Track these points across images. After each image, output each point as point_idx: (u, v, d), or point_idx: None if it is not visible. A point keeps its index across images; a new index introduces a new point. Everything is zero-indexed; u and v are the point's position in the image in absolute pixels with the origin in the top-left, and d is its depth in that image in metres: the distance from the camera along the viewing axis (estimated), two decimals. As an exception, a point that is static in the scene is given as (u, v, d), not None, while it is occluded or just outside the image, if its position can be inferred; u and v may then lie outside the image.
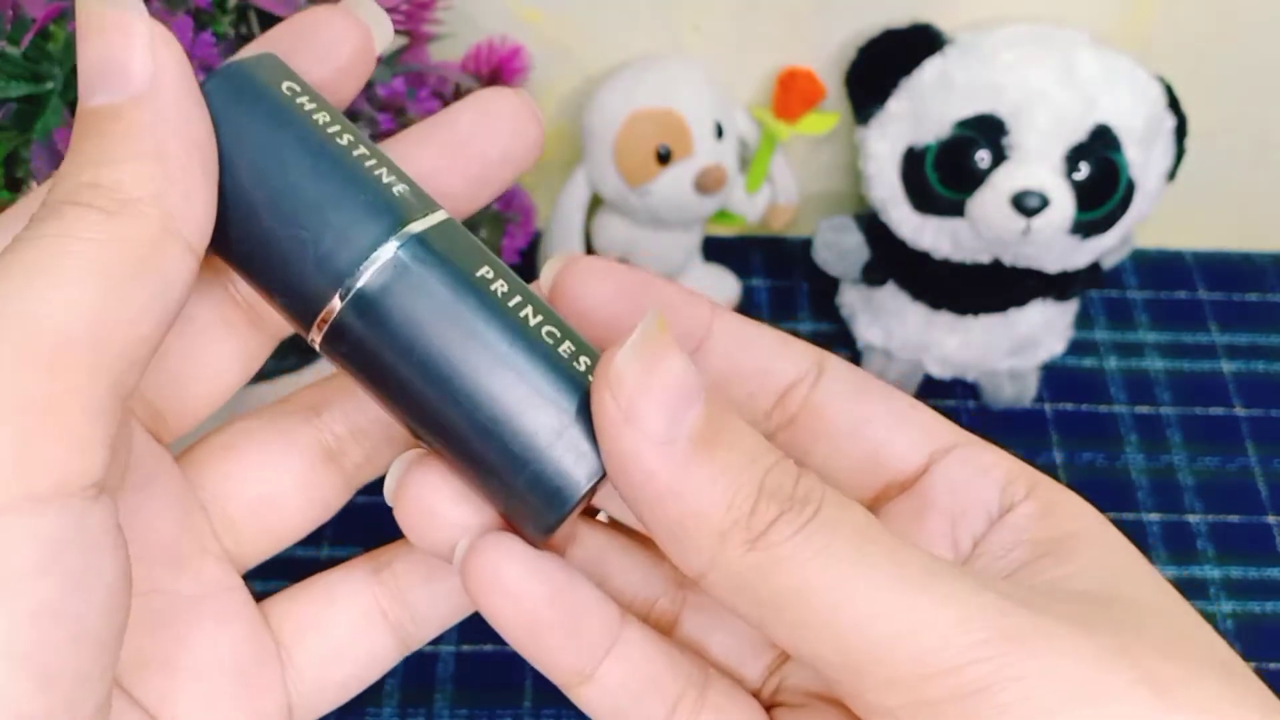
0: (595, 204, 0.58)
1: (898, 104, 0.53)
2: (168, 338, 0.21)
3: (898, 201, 0.53)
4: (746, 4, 0.54)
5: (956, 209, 0.51)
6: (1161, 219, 0.57)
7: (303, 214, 0.19)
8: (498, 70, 0.50)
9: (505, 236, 0.55)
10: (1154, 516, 0.56)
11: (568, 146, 0.58)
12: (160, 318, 0.18)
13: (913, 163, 0.52)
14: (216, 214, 0.20)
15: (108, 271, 0.17)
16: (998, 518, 0.22)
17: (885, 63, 0.53)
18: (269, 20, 0.41)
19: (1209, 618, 0.53)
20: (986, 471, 0.23)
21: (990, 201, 0.50)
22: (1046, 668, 0.18)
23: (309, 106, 0.20)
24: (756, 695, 0.24)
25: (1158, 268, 0.65)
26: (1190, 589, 0.54)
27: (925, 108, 0.51)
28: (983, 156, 0.50)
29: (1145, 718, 0.18)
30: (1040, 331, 0.57)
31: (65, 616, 0.17)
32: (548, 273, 0.22)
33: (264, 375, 0.41)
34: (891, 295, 0.57)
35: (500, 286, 0.20)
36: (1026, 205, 0.49)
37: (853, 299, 0.60)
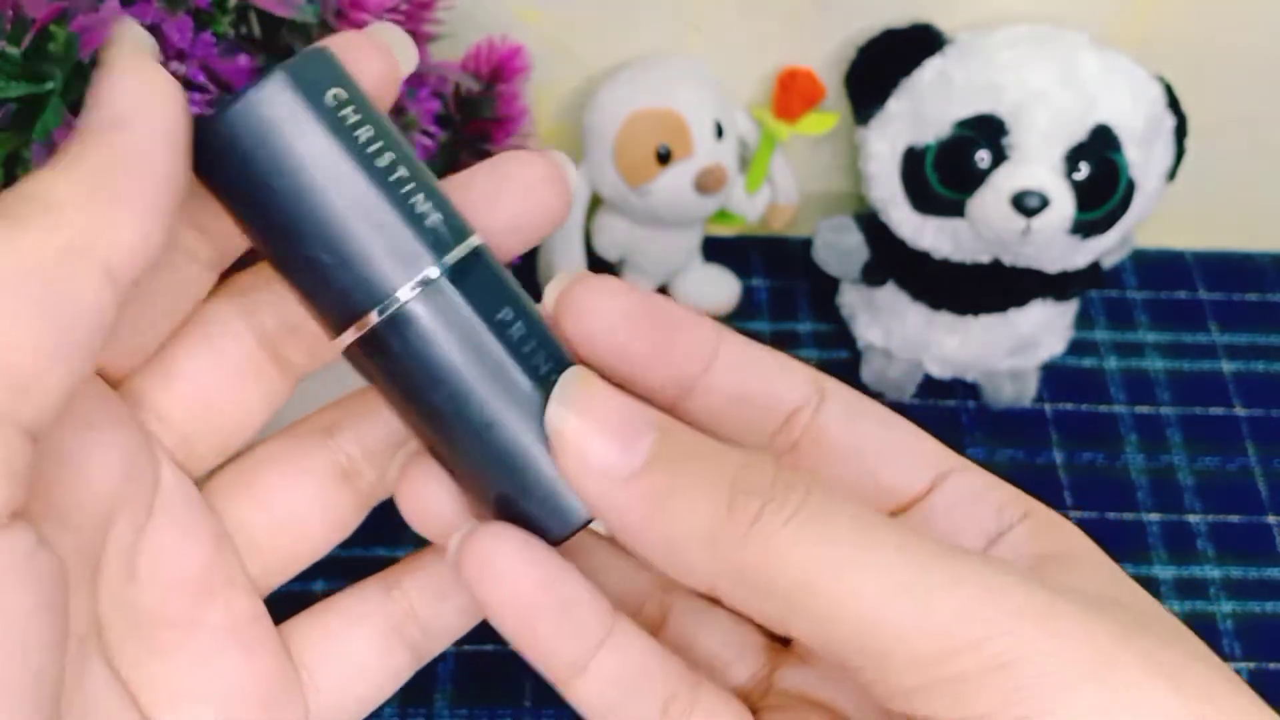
0: (595, 204, 0.58)
1: (898, 104, 0.53)
2: (199, 372, 0.22)
3: (898, 201, 0.53)
4: (746, 4, 0.54)
5: (956, 209, 0.51)
6: (1161, 219, 0.57)
7: (332, 241, 0.20)
8: (498, 70, 0.50)
9: (505, 236, 0.55)
10: (1154, 516, 0.56)
11: (568, 146, 0.58)
12: (58, 343, 0.17)
13: (913, 163, 0.52)
14: (259, 227, 0.20)
15: None
16: (995, 538, 0.23)
17: (885, 63, 0.53)
18: (269, 20, 0.41)
19: (1209, 618, 0.53)
20: (983, 495, 0.23)
21: (990, 201, 0.50)
22: (1064, 645, 0.18)
23: (352, 120, 0.20)
24: (742, 699, 0.24)
25: (1158, 268, 0.65)
26: (1190, 589, 0.54)
27: (925, 108, 0.51)
28: (983, 156, 0.50)
29: (1156, 697, 0.18)
30: (1040, 331, 0.57)
31: None
32: (551, 291, 0.22)
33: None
34: (891, 295, 0.57)
35: (518, 330, 0.21)
36: (1026, 205, 0.49)
37: (853, 299, 0.60)
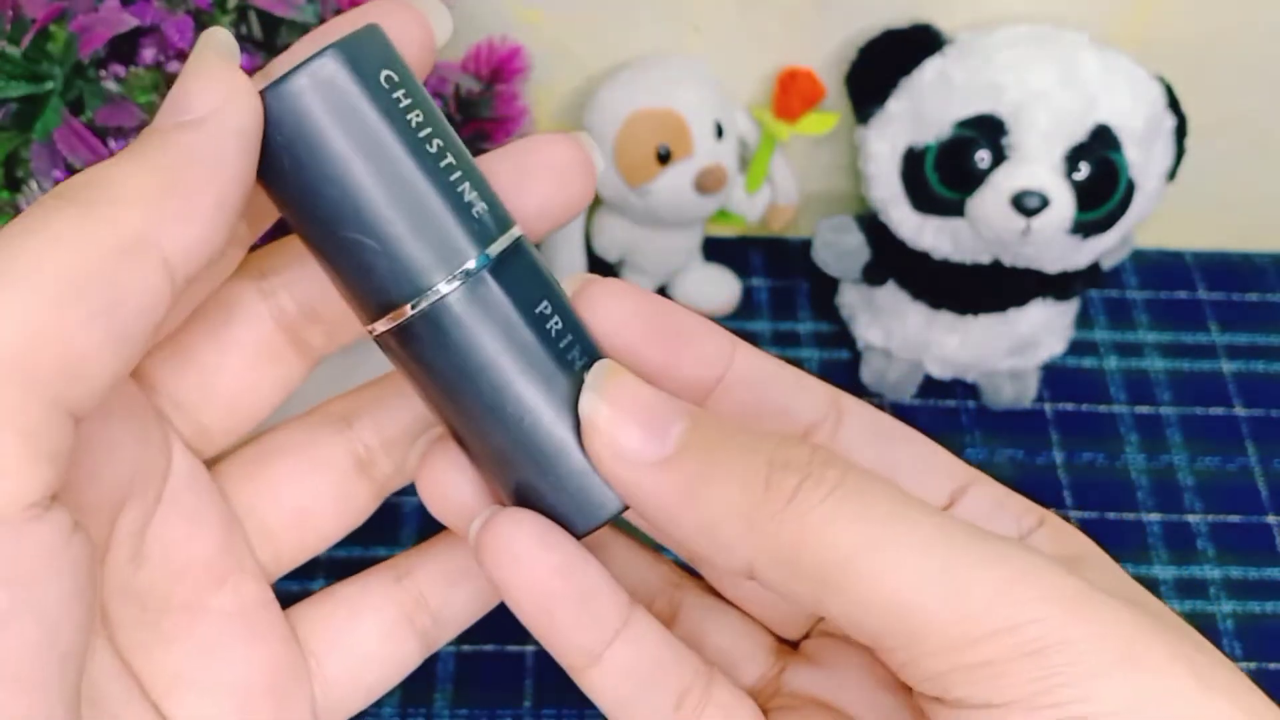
0: (595, 204, 0.58)
1: (898, 104, 0.53)
2: (216, 356, 0.22)
3: (898, 201, 0.53)
4: (746, 4, 0.54)
5: (956, 209, 0.51)
6: (1161, 219, 0.57)
7: (379, 226, 0.19)
8: (498, 70, 0.50)
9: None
10: (1154, 516, 0.56)
11: (568, 146, 0.58)
12: (112, 332, 0.17)
13: (913, 163, 0.52)
14: (302, 209, 0.19)
15: (58, 276, 0.17)
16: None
17: (885, 63, 0.53)
18: (269, 20, 0.41)
19: (1209, 618, 0.53)
20: (1002, 505, 0.23)
21: (990, 201, 0.50)
22: (1096, 633, 0.18)
23: (405, 103, 0.20)
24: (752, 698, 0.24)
25: (1158, 268, 0.65)
26: (1190, 589, 0.54)
27: (925, 108, 0.51)
28: (983, 156, 0.50)
29: (1184, 690, 0.18)
30: (1040, 331, 0.57)
31: None
32: (566, 288, 0.22)
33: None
34: (891, 295, 0.57)
35: (555, 325, 0.21)
36: (1026, 205, 0.49)
37: (853, 299, 0.60)
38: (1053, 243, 0.51)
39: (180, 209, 0.18)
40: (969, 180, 0.50)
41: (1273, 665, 0.51)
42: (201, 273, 0.19)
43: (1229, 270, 0.65)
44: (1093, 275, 0.56)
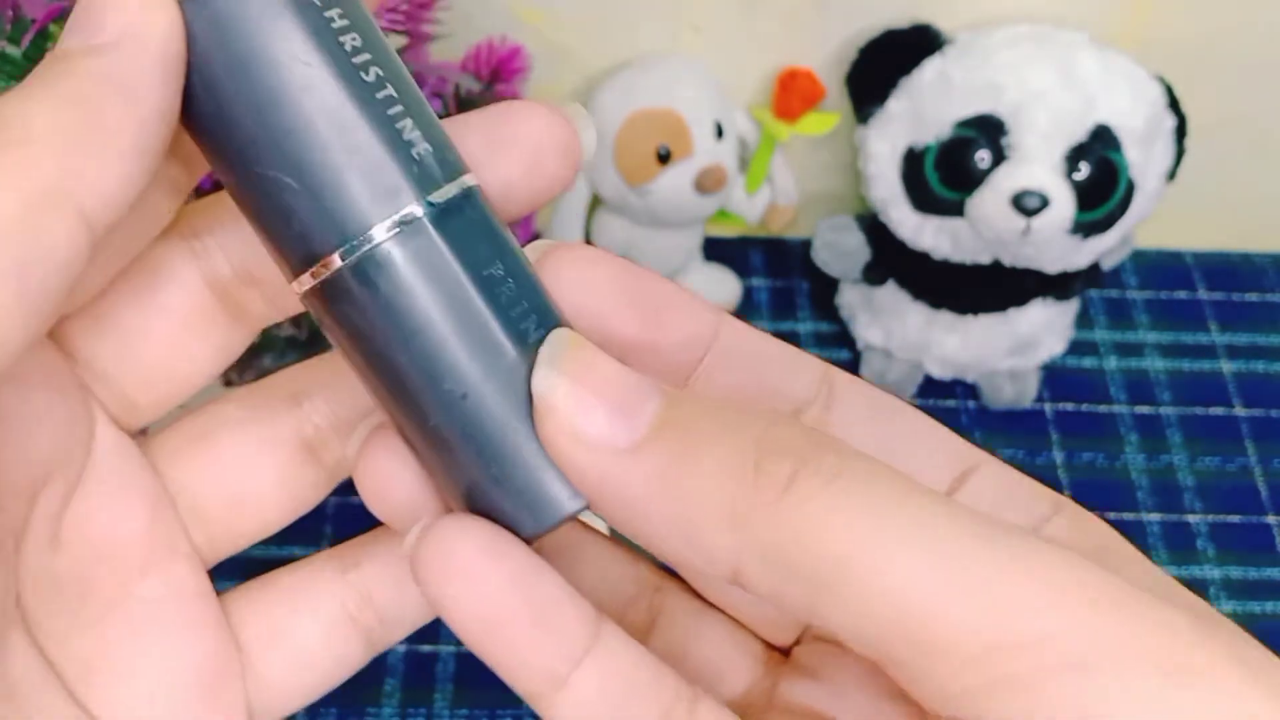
0: (595, 204, 0.58)
1: (898, 104, 0.53)
2: (142, 321, 0.20)
3: (898, 201, 0.53)
4: (746, 4, 0.54)
5: (956, 209, 0.51)
6: (1161, 219, 0.57)
7: (299, 161, 0.17)
8: (498, 70, 0.50)
9: (505, 236, 0.55)
10: (1154, 516, 0.56)
11: (568, 146, 0.58)
12: (24, 292, 0.15)
13: (913, 163, 0.52)
14: (215, 140, 0.17)
15: None
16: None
17: (885, 63, 0.53)
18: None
19: (1209, 618, 0.53)
20: (1013, 489, 0.21)
21: (990, 201, 0.50)
22: (1144, 641, 0.16)
23: (337, 24, 0.17)
24: (741, 712, 0.21)
25: (1158, 268, 0.65)
26: (1190, 589, 0.54)
27: (925, 108, 0.51)
28: (983, 156, 0.50)
29: (1244, 696, 0.16)
30: (1040, 331, 0.57)
31: None
32: (530, 256, 0.19)
33: (264, 372, 0.40)
34: (891, 295, 0.57)
35: (508, 290, 0.18)
36: (1026, 205, 0.49)
37: (853, 299, 0.60)
38: (1053, 243, 0.51)
39: (96, 150, 0.16)
40: (969, 180, 0.50)
41: (1273, 665, 0.51)
42: (122, 221, 0.17)
43: (1229, 270, 0.65)
44: (1093, 275, 0.56)
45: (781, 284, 0.63)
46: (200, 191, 0.21)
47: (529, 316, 0.18)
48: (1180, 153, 0.53)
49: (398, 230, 0.17)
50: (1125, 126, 0.50)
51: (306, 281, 0.18)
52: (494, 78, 0.50)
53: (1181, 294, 0.64)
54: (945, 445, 0.21)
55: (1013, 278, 0.54)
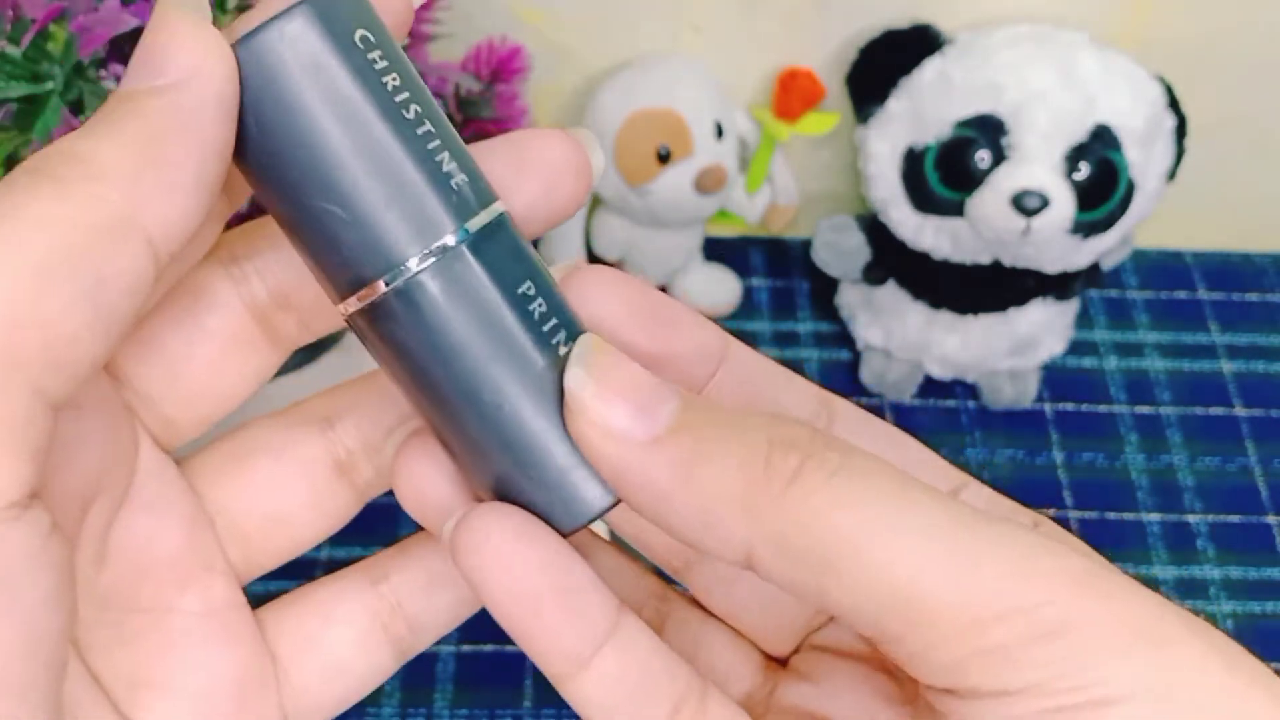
0: (595, 204, 0.58)
1: (898, 104, 0.53)
2: (185, 346, 0.21)
3: (898, 201, 0.53)
4: (746, 4, 0.54)
5: (956, 209, 0.51)
6: (1161, 219, 0.57)
7: (349, 194, 0.18)
8: (498, 70, 0.50)
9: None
10: (1154, 516, 0.56)
11: (568, 146, 0.58)
12: (97, 316, 0.16)
13: (913, 163, 0.52)
14: (267, 174, 0.18)
15: (35, 258, 0.16)
16: None
17: (885, 63, 0.53)
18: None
19: (1209, 618, 0.53)
20: (994, 506, 0.22)
21: (990, 201, 0.50)
22: (1114, 611, 0.17)
23: (379, 65, 0.18)
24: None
25: (1158, 268, 0.65)
26: (1190, 589, 0.54)
27: (925, 108, 0.52)
28: (983, 156, 0.50)
29: (1210, 671, 0.17)
30: (1040, 331, 0.57)
31: None
32: (554, 275, 0.21)
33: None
34: (891, 295, 0.57)
35: (539, 307, 0.19)
36: (1026, 205, 0.49)
37: (853, 299, 0.60)
38: (1053, 243, 0.51)
39: (162, 183, 0.17)
40: (969, 180, 0.50)
41: (1273, 665, 0.51)
42: (182, 251, 0.18)
43: (1229, 270, 0.65)
44: (1093, 275, 0.56)
45: (781, 284, 0.63)
46: (236, 219, 0.21)
47: (558, 331, 0.20)
48: (1180, 153, 0.53)
49: (438, 257, 0.19)
50: (1125, 126, 0.50)
51: (353, 305, 0.19)
52: (494, 78, 0.50)
53: (1181, 294, 0.64)
54: (935, 468, 0.23)
55: (1013, 278, 0.54)
